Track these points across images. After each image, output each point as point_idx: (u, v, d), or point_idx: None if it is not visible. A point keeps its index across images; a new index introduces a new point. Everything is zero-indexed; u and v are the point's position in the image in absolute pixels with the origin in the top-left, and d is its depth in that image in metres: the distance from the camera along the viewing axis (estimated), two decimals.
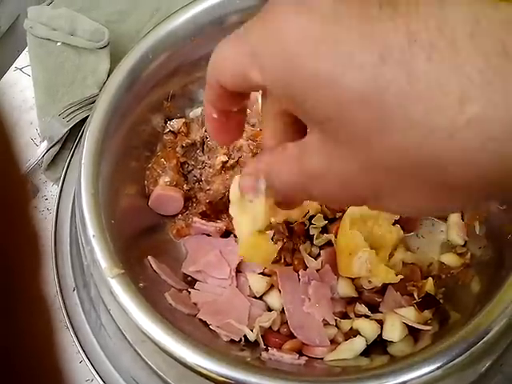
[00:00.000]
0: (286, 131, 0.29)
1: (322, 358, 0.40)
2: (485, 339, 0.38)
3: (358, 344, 0.41)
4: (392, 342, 0.42)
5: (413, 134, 0.21)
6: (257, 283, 0.44)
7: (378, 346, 0.43)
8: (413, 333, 0.43)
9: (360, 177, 0.24)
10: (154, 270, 0.44)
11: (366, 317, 0.43)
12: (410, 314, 0.42)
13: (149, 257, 0.44)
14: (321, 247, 0.46)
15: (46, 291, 0.21)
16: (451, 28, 0.21)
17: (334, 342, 0.42)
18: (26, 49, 0.61)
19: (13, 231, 0.18)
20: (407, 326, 0.42)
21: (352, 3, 0.23)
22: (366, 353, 0.42)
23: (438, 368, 0.36)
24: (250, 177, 0.29)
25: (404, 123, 0.21)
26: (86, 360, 0.44)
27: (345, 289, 0.44)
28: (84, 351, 0.45)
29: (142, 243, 0.46)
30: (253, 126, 0.52)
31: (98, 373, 0.44)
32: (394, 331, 0.42)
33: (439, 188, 0.23)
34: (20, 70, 0.62)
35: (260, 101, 0.52)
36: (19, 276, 0.18)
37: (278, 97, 0.25)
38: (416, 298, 0.43)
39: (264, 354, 0.39)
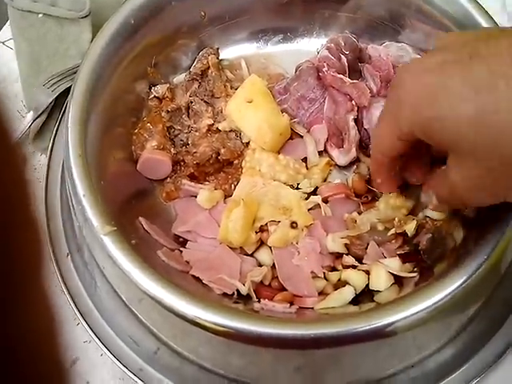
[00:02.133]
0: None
1: (312, 308, 0.42)
2: (467, 282, 0.39)
3: (347, 293, 0.43)
4: (379, 291, 0.44)
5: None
6: None
7: (365, 296, 0.44)
8: (398, 282, 0.44)
9: (489, 177, 0.34)
10: (146, 230, 0.45)
11: (354, 267, 0.44)
12: (393, 263, 0.44)
13: (140, 218, 0.45)
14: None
15: (41, 259, 0.21)
16: None
17: (323, 294, 0.43)
18: (8, 22, 0.61)
19: (7, 201, 0.19)
20: (393, 276, 0.44)
21: (449, 58, 0.34)
22: (354, 302, 0.43)
23: (421, 310, 0.38)
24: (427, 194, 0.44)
25: (503, 129, 0.32)
26: (83, 321, 0.45)
27: (333, 243, 0.45)
28: (80, 313, 0.45)
29: (132, 207, 0.47)
30: (236, 89, 0.53)
31: (95, 333, 0.45)
32: (379, 280, 0.43)
33: None
34: (2, 43, 0.61)
35: (244, 66, 0.53)
36: (15, 247, 0.19)
37: (420, 135, 0.36)
38: (397, 246, 0.45)
39: (256, 305, 0.41)
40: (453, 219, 0.46)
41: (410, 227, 0.46)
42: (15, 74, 0.58)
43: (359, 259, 0.45)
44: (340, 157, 0.50)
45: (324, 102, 0.51)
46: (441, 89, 0.34)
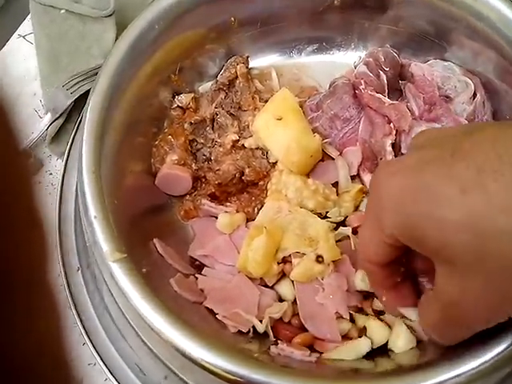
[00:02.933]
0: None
1: None
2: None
3: (362, 346, 0.38)
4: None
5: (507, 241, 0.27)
6: None
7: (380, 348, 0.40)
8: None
9: (486, 291, 0.29)
10: (160, 254, 0.42)
11: (381, 314, 0.40)
12: (414, 314, 0.39)
13: (154, 239, 0.42)
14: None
15: (50, 270, 0.19)
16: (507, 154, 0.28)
17: (346, 337, 0.40)
18: (29, 16, 0.58)
19: (14, 206, 0.17)
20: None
21: (428, 157, 0.30)
22: (368, 355, 0.39)
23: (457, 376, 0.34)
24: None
25: (496, 233, 0.28)
26: (89, 343, 0.43)
27: (362, 282, 0.41)
28: (87, 333, 0.43)
29: (147, 224, 0.44)
30: (266, 101, 0.49)
31: (100, 357, 0.42)
32: (397, 340, 0.39)
33: None
34: (23, 37, 0.59)
35: (274, 76, 0.49)
36: (22, 253, 0.18)
37: (405, 241, 0.31)
38: None
39: (273, 349, 0.37)
40: None
41: None
42: (34, 71, 0.56)
43: None
44: None
45: (359, 122, 0.47)
46: (422, 190, 0.30)
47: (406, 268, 0.36)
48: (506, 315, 0.31)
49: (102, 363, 0.42)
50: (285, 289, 0.42)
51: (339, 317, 0.40)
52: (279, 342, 0.38)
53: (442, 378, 0.33)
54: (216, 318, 0.39)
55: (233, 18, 0.51)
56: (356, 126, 0.47)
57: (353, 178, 0.47)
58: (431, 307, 0.32)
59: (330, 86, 0.49)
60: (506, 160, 0.28)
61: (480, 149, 0.29)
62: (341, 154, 0.47)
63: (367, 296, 0.41)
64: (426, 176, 0.30)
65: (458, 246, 0.29)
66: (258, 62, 0.53)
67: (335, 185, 0.46)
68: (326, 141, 0.47)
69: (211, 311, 0.40)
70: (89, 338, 0.43)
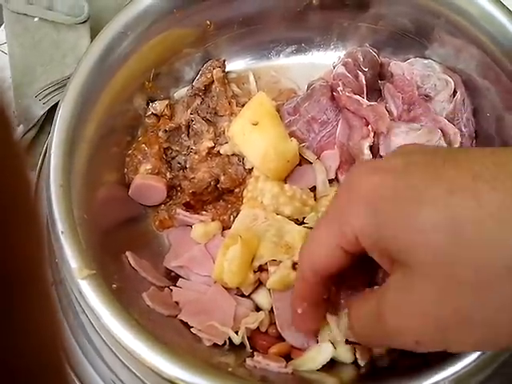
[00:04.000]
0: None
1: None
2: None
3: (325, 352, 0.36)
4: None
5: (487, 251, 0.25)
6: None
7: None
8: None
9: (438, 303, 0.27)
10: (133, 267, 0.41)
11: None
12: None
13: (127, 252, 0.41)
14: None
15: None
16: (506, 163, 0.26)
17: None
18: (4, 25, 0.57)
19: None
20: None
21: (418, 159, 0.29)
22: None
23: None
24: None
25: (479, 242, 0.26)
26: (66, 363, 0.42)
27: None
28: (64, 353, 0.42)
29: (120, 236, 0.43)
30: (243, 105, 0.48)
31: (76, 375, 0.41)
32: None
33: None
34: None
35: (252, 80, 0.48)
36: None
37: (368, 247, 0.29)
38: None
39: (249, 362, 0.36)
40: None
41: None
42: (9, 81, 0.55)
43: None
44: None
45: (337, 125, 0.46)
46: (405, 189, 0.28)
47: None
48: (444, 345, 0.28)
49: (77, 380, 0.41)
50: (262, 298, 0.41)
51: None
52: (255, 353, 0.37)
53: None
54: (191, 331, 0.38)
55: (208, 22, 0.50)
56: (334, 129, 0.46)
57: (331, 181, 0.45)
58: (367, 313, 0.30)
59: (308, 88, 0.48)
60: (508, 170, 0.26)
61: (477, 159, 0.27)
62: (319, 158, 0.46)
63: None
64: (413, 177, 0.28)
65: (429, 248, 0.26)
66: (236, 65, 0.52)
67: (313, 189, 0.45)
68: (303, 145, 0.46)
69: (186, 324, 0.39)
70: (65, 357, 0.42)
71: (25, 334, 0.17)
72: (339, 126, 0.46)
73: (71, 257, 0.36)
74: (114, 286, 0.36)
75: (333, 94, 0.46)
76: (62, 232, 0.36)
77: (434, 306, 0.27)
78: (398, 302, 0.28)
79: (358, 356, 0.36)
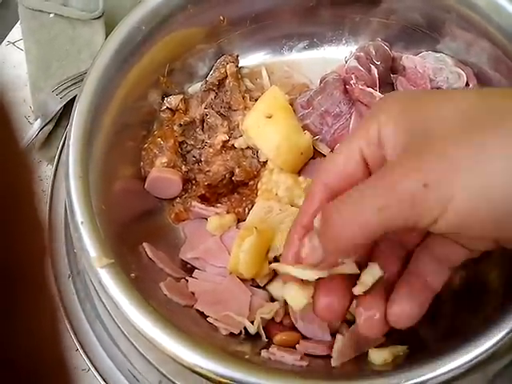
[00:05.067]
0: None
1: (325, 357, 0.38)
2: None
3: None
4: None
5: None
6: None
7: None
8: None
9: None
10: (150, 258, 0.41)
11: None
12: None
13: (144, 244, 0.42)
14: None
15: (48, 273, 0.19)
16: None
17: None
18: (19, 22, 0.58)
19: (15, 209, 0.17)
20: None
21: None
22: None
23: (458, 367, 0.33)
24: None
25: None
26: (81, 350, 0.42)
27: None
28: (79, 341, 0.43)
29: (137, 228, 0.44)
30: (256, 100, 0.48)
31: (93, 364, 0.42)
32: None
33: None
34: (13, 44, 0.59)
35: (265, 75, 0.48)
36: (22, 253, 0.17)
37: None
38: None
39: (264, 353, 0.37)
40: (487, 259, 0.42)
41: None
42: (24, 78, 0.55)
43: None
44: None
45: (350, 118, 0.46)
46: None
47: None
48: None
49: (94, 370, 0.42)
50: (277, 289, 0.41)
51: None
52: (271, 345, 0.38)
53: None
54: (207, 320, 0.39)
55: (222, 17, 0.50)
56: (347, 121, 0.46)
57: None
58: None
59: (321, 82, 0.49)
60: None
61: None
62: (332, 151, 0.46)
63: None
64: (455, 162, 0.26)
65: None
66: (248, 60, 0.53)
67: None
68: (316, 138, 0.47)
69: (202, 314, 0.39)
70: (80, 345, 0.43)
71: (27, 334, 0.17)
72: (352, 118, 0.46)
73: (90, 246, 0.36)
74: (133, 275, 0.37)
75: (346, 88, 0.47)
76: (82, 222, 0.37)
77: None
78: None
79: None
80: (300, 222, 0.30)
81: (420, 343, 0.39)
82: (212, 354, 0.33)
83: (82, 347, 0.42)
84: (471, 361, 0.33)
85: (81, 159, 0.40)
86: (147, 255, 0.41)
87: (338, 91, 0.47)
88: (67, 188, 0.39)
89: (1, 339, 0.16)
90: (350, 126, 0.46)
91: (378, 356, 0.35)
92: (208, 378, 0.33)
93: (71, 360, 0.43)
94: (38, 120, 0.51)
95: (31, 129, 0.51)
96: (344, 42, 0.53)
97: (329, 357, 0.37)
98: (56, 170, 0.49)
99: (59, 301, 0.44)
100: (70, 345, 0.43)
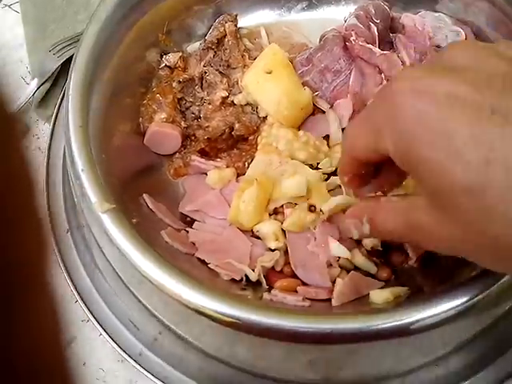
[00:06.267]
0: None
1: (326, 300, 0.38)
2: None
3: None
4: None
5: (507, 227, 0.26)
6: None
7: None
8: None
9: (460, 243, 0.28)
10: (150, 209, 0.41)
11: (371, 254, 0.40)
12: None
13: (144, 195, 0.42)
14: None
15: (42, 235, 0.19)
16: None
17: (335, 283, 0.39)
18: None
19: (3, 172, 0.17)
20: None
21: (465, 96, 0.26)
22: None
23: (452, 308, 0.34)
24: (355, 220, 0.34)
25: (502, 218, 0.26)
26: (81, 302, 0.42)
27: (355, 231, 0.41)
28: (78, 293, 0.43)
29: (136, 183, 0.43)
30: (255, 59, 0.48)
31: (92, 314, 0.42)
32: None
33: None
34: (8, 6, 0.58)
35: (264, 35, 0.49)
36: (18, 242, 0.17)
37: (398, 163, 0.29)
38: None
39: (266, 296, 0.37)
40: None
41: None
42: (20, 39, 0.55)
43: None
44: None
45: (350, 74, 0.46)
46: (442, 126, 0.26)
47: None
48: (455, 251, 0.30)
49: (94, 320, 0.42)
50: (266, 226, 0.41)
51: (330, 265, 0.40)
52: (272, 290, 0.38)
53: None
54: (208, 267, 0.39)
55: None
56: (346, 78, 0.46)
57: (344, 130, 0.46)
58: (395, 216, 0.31)
59: (320, 39, 0.49)
60: None
61: None
62: (332, 107, 0.46)
63: (359, 241, 0.41)
64: (452, 118, 0.26)
65: (459, 206, 0.26)
66: (247, 21, 0.53)
67: (326, 138, 0.46)
68: (316, 94, 0.47)
69: (203, 262, 0.39)
70: (80, 296, 0.43)
71: (27, 334, 0.17)
72: (352, 74, 0.46)
73: (91, 192, 0.36)
74: (134, 220, 0.37)
75: (345, 44, 0.47)
76: (82, 170, 0.37)
77: (456, 243, 0.28)
78: (428, 227, 0.29)
79: None
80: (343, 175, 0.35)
81: (417, 288, 0.40)
82: (217, 295, 0.33)
83: (82, 298, 0.42)
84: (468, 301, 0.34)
85: (80, 109, 0.40)
86: (147, 206, 0.41)
87: (337, 47, 0.47)
88: (67, 137, 0.39)
89: (0, 339, 0.16)
90: (350, 82, 0.46)
91: (379, 296, 0.36)
92: (214, 319, 0.34)
93: (70, 312, 0.43)
94: (35, 79, 0.51)
95: (28, 88, 0.51)
96: (343, 3, 0.53)
97: (329, 300, 0.37)
98: (53, 128, 0.49)
99: (58, 255, 0.44)
100: (70, 297, 0.43)
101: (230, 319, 0.33)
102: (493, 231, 0.26)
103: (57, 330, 0.20)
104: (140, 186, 0.44)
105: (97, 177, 0.37)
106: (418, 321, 0.33)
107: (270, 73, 0.45)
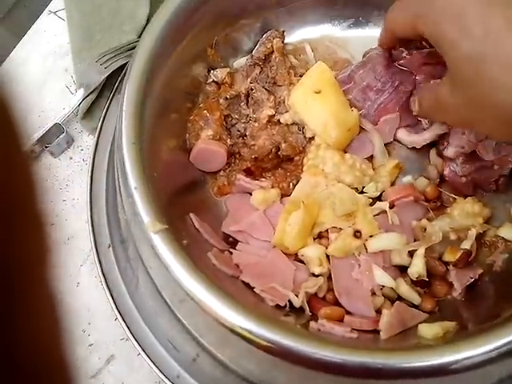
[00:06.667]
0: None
1: (372, 332, 0.38)
2: None
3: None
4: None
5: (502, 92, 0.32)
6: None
7: None
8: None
9: (466, 112, 0.36)
10: (196, 228, 0.41)
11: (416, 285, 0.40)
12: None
13: (191, 214, 0.42)
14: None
15: (51, 266, 0.19)
16: None
17: (378, 312, 0.39)
18: None
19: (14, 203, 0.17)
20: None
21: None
22: None
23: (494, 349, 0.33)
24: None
25: (502, 87, 0.32)
26: (121, 320, 0.42)
27: (398, 257, 0.41)
28: (118, 310, 0.43)
29: (182, 200, 0.44)
30: (301, 76, 0.48)
31: (132, 333, 0.42)
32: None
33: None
34: (54, 13, 0.58)
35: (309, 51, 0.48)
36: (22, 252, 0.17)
37: (430, 41, 0.37)
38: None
39: (313, 325, 0.37)
40: None
41: (470, 236, 0.41)
42: (65, 47, 0.55)
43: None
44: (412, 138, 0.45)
45: (394, 93, 0.46)
46: (460, 9, 0.34)
47: None
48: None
49: (133, 339, 0.42)
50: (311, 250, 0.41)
51: (374, 294, 0.39)
52: (319, 319, 0.38)
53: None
54: (253, 291, 0.39)
55: None
56: (389, 96, 0.46)
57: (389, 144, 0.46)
58: (429, 94, 0.39)
59: (364, 56, 0.48)
60: None
61: None
62: (377, 124, 0.46)
63: (403, 269, 0.40)
64: (470, 4, 0.33)
65: (465, 73, 0.34)
66: (293, 37, 0.52)
67: (370, 158, 0.45)
68: (360, 112, 0.46)
69: (248, 285, 0.39)
70: (120, 314, 0.43)
71: (27, 334, 0.17)
72: (395, 93, 0.46)
73: (144, 211, 0.36)
74: (185, 242, 0.37)
75: (388, 63, 0.46)
76: (136, 188, 0.37)
77: (461, 108, 0.36)
78: (445, 98, 0.36)
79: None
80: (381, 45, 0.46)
81: (462, 324, 0.39)
82: (266, 322, 0.33)
83: (122, 316, 0.42)
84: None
85: (134, 125, 0.40)
86: (194, 225, 0.41)
87: (380, 66, 0.46)
88: (120, 154, 0.39)
89: (1, 339, 0.16)
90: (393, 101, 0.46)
91: (429, 330, 0.35)
92: (254, 343, 0.33)
93: (110, 329, 0.44)
94: (81, 90, 0.51)
95: (73, 98, 0.51)
96: None
97: (375, 331, 0.37)
98: (98, 140, 0.49)
99: (100, 271, 0.44)
100: (111, 314, 0.43)
101: (275, 346, 0.33)
102: (495, 100, 0.32)
103: (57, 331, 0.20)
104: (185, 203, 0.44)
105: (149, 195, 0.37)
106: (468, 357, 0.33)
107: (318, 92, 0.45)
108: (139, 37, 0.52)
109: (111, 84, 0.51)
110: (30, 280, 0.17)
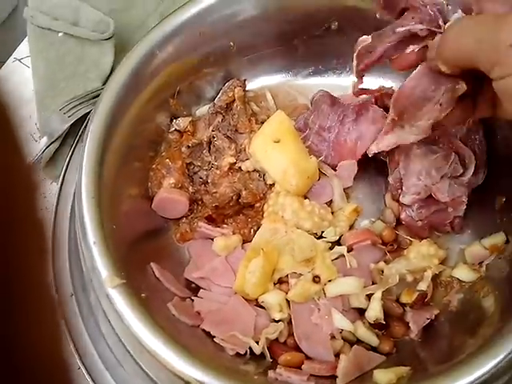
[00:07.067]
0: None
1: (330, 377, 0.38)
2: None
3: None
4: None
5: None
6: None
7: None
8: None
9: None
10: (157, 277, 0.42)
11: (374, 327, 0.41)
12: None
13: (151, 263, 0.42)
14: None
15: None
16: None
17: (338, 356, 0.40)
18: (26, 38, 0.59)
19: (16, 223, 0.17)
20: None
21: None
22: None
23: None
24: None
25: None
26: (84, 370, 0.42)
27: (357, 300, 0.42)
28: (82, 361, 0.42)
29: (144, 248, 0.44)
30: (262, 123, 0.50)
31: (94, 382, 0.42)
32: None
33: None
34: (19, 60, 0.59)
35: (270, 98, 0.49)
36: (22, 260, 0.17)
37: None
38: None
39: (271, 374, 0.37)
40: (485, 284, 0.43)
41: (426, 277, 0.43)
42: (30, 94, 0.56)
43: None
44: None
45: (341, 126, 0.48)
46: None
47: None
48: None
49: None
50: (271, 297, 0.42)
51: (333, 337, 0.40)
52: (278, 366, 0.38)
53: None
54: (213, 340, 0.39)
55: (232, 43, 0.52)
56: (339, 130, 0.48)
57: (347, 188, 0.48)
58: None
59: (311, 103, 0.50)
60: None
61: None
62: (336, 169, 0.48)
63: (362, 311, 0.42)
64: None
65: None
66: (253, 83, 0.54)
67: (329, 203, 0.47)
68: (320, 159, 0.48)
69: (208, 334, 0.40)
70: (84, 366, 0.42)
71: (27, 334, 0.17)
72: (345, 126, 0.48)
73: (102, 266, 0.37)
74: (143, 295, 0.37)
75: (332, 101, 0.48)
76: (94, 242, 0.37)
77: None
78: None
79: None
80: None
81: (420, 365, 0.40)
82: (222, 374, 0.34)
83: (85, 367, 0.42)
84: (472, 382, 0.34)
85: (93, 179, 0.40)
86: (154, 274, 0.42)
87: (325, 105, 0.49)
88: (79, 209, 0.39)
89: (1, 339, 0.16)
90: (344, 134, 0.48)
91: (383, 376, 0.36)
92: None
93: (74, 379, 0.43)
94: (44, 138, 0.52)
95: (37, 146, 0.52)
96: (347, 69, 0.55)
97: (333, 377, 0.38)
98: (61, 188, 0.50)
99: (63, 320, 0.44)
100: (74, 363, 0.43)
101: None
102: None
103: (57, 330, 0.20)
104: (147, 250, 0.44)
105: (108, 250, 0.38)
106: None
107: (278, 141, 0.46)
108: (104, 84, 0.53)
109: (75, 132, 0.51)
110: (29, 286, 0.18)
